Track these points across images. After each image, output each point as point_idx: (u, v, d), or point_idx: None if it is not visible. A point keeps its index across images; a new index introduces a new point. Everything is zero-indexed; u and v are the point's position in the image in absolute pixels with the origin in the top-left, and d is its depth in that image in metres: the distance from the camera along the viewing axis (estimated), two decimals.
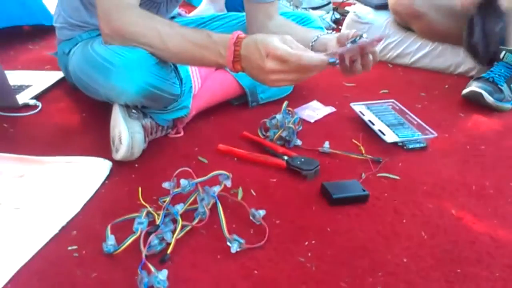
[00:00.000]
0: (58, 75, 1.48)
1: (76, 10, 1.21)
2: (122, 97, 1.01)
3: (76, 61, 1.15)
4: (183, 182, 0.86)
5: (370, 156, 1.12)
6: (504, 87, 1.43)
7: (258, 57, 0.87)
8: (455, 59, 1.75)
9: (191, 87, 1.14)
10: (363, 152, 1.14)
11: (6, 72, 1.17)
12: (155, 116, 1.09)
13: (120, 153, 1.00)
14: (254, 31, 1.30)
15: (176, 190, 0.88)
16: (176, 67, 1.08)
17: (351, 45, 0.98)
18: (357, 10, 1.96)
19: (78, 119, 1.27)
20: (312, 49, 1.16)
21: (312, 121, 1.33)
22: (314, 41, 1.17)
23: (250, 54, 0.89)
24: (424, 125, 1.24)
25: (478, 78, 1.47)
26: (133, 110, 1.04)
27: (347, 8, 2.20)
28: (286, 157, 1.08)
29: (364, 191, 0.97)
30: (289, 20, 1.34)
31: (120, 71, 0.98)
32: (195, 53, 0.95)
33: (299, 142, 1.17)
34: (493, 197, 1.00)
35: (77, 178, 0.97)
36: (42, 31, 1.90)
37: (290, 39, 0.89)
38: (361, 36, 0.99)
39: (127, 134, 0.99)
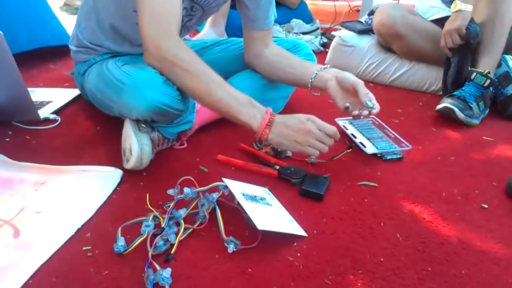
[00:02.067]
0: (75, 92, 1.48)
1: (93, 33, 1.21)
2: (133, 112, 1.02)
3: (92, 81, 1.16)
4: (186, 190, 0.87)
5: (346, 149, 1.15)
6: (474, 105, 1.44)
7: (297, 121, 0.99)
8: (429, 78, 1.77)
9: (194, 103, 1.15)
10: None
11: (29, 89, 1.17)
12: (162, 130, 1.10)
13: (130, 163, 1.01)
14: (251, 57, 1.32)
15: (180, 196, 0.89)
16: None
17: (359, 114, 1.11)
18: (342, 35, 1.98)
19: (93, 132, 1.27)
20: (311, 85, 1.21)
21: None
22: (313, 77, 1.20)
23: (287, 119, 0.99)
24: (400, 138, 1.26)
25: (450, 95, 1.48)
26: (143, 125, 1.05)
27: (333, 33, 2.22)
28: (277, 167, 1.09)
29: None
30: (283, 48, 1.33)
31: (131, 90, 0.99)
32: (233, 107, 0.97)
33: (289, 153, 1.18)
34: (460, 203, 1.01)
35: (92, 185, 0.98)
36: (62, 52, 1.89)
37: (313, 117, 1.01)
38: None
39: (137, 146, 0.99)
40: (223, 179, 0.91)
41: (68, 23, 2.01)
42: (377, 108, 1.10)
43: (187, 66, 0.96)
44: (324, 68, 1.21)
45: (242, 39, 1.39)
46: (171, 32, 0.96)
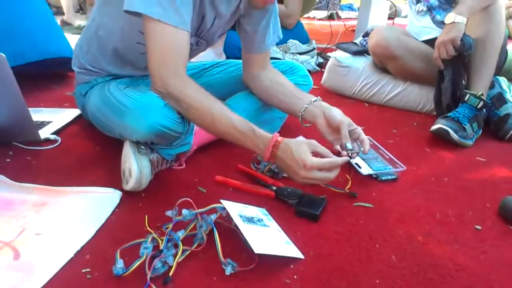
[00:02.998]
0: (75, 112, 1.51)
1: (94, 57, 1.24)
2: (134, 135, 1.04)
3: (94, 102, 1.18)
4: (184, 212, 0.88)
5: (347, 190, 1.13)
6: (467, 126, 1.47)
7: (295, 165, 0.98)
8: (423, 98, 1.81)
9: (193, 126, 1.17)
10: (349, 185, 1.16)
11: (30, 109, 1.19)
12: (161, 151, 1.11)
13: (129, 185, 1.02)
14: (249, 79, 1.35)
15: (178, 218, 0.90)
16: None
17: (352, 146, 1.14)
18: (337, 56, 2.02)
19: (92, 152, 1.28)
20: (301, 118, 1.24)
21: None
22: (303, 111, 1.22)
23: (287, 159, 0.99)
24: (395, 159, 1.27)
25: (445, 117, 1.50)
26: (142, 146, 1.06)
27: (329, 54, 2.26)
28: (274, 188, 1.11)
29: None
30: (280, 73, 1.35)
31: (133, 113, 1.01)
32: (238, 138, 1.01)
33: (286, 174, 1.20)
34: (454, 225, 1.02)
35: (91, 207, 0.99)
36: (62, 72, 1.93)
37: (316, 143, 1.01)
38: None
39: (136, 168, 1.01)
40: (221, 201, 0.92)
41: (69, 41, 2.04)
42: (357, 150, 1.13)
43: (192, 102, 1.00)
44: (314, 101, 1.23)
45: (240, 61, 1.42)
46: (178, 70, 1.01)
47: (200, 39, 1.21)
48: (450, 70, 1.56)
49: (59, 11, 3.53)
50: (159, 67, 0.99)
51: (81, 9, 3.82)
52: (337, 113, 1.17)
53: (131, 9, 0.96)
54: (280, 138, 1.01)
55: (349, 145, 1.12)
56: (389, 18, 3.18)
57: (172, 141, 1.10)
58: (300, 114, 1.23)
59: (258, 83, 1.33)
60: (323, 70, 2.16)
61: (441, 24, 1.75)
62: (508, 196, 1.08)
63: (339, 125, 1.14)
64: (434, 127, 1.47)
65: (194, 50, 1.26)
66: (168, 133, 1.03)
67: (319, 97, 1.25)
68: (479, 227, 1.01)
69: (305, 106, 1.22)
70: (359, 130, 1.16)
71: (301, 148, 0.98)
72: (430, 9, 1.79)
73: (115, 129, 1.09)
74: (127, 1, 0.97)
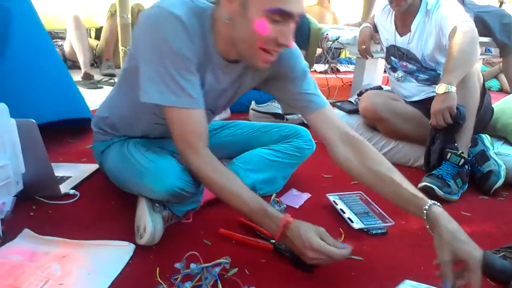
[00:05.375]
0: (92, 167, 1.62)
1: (111, 127, 1.35)
2: (152, 195, 1.16)
3: (113, 160, 1.29)
4: (192, 265, 0.98)
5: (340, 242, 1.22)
6: (451, 183, 1.58)
7: (302, 246, 1.01)
8: (413, 155, 1.93)
9: (204, 187, 1.24)
10: (342, 238, 1.25)
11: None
12: (173, 208, 1.22)
13: (143, 240, 1.13)
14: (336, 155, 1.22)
15: (186, 271, 0.99)
16: None
17: None
18: None
19: (109, 206, 1.38)
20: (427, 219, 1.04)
21: (297, 206, 1.47)
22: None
23: (295, 239, 1.02)
24: (384, 214, 1.38)
25: (430, 175, 1.62)
26: (156, 204, 1.18)
27: None
28: (273, 241, 1.19)
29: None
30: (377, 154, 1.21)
31: (153, 176, 1.13)
32: (251, 216, 1.08)
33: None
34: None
35: (108, 259, 1.09)
36: (79, 127, 2.05)
37: (324, 231, 1.03)
38: None
39: (151, 225, 1.11)
40: None
41: (87, 97, 2.18)
42: None
43: (210, 181, 1.09)
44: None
45: (247, 123, 1.54)
46: (199, 148, 1.09)
47: (207, 110, 1.26)
48: (442, 136, 1.67)
49: (74, 65, 3.73)
50: (182, 146, 1.09)
51: (95, 63, 4.04)
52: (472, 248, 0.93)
53: (148, 101, 1.06)
54: (291, 219, 1.04)
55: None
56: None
57: (184, 200, 1.20)
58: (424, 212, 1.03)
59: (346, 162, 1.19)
60: None
61: (426, 81, 1.91)
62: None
63: (469, 263, 0.90)
64: (420, 185, 1.58)
65: None
66: (182, 194, 1.14)
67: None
68: None
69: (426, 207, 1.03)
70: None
71: (309, 231, 1.02)
72: (409, 74, 1.95)
73: (133, 187, 1.21)
74: (142, 93, 1.07)
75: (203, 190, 1.26)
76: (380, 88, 2.36)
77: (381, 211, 1.40)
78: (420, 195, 1.06)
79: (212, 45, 1.10)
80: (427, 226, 1.03)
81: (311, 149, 1.56)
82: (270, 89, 1.30)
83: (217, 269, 1.00)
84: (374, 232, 1.30)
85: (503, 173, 1.67)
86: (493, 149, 1.80)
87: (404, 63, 1.96)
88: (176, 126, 1.08)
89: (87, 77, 3.41)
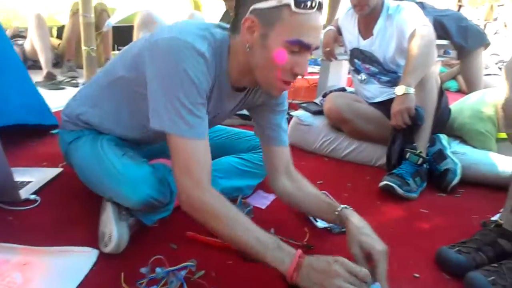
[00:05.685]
0: (54, 172, 1.59)
1: (84, 122, 1.28)
2: (126, 202, 1.15)
3: (84, 156, 1.25)
4: (157, 270, 0.99)
5: (304, 243, 1.26)
6: (410, 181, 1.65)
7: (325, 264, 0.91)
8: (376, 154, 1.99)
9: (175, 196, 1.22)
10: (307, 237, 1.29)
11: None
12: (144, 217, 1.21)
13: (108, 248, 1.11)
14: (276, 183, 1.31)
15: (152, 275, 1.00)
16: (169, 182, 1.19)
17: None
18: (299, 114, 2.20)
19: (71, 211, 1.36)
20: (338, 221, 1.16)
21: (263, 207, 1.49)
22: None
23: (315, 262, 0.93)
24: None
25: (390, 174, 1.68)
26: (123, 211, 1.17)
27: (291, 112, 2.32)
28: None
29: None
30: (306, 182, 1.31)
31: (129, 184, 1.12)
32: (259, 251, 0.95)
33: None
34: (396, 273, 1.14)
35: (71, 266, 1.07)
36: (40, 130, 2.00)
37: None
38: None
39: (116, 234, 1.10)
40: None
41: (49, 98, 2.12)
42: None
43: (213, 212, 0.99)
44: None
45: (219, 127, 1.55)
46: (202, 182, 1.01)
47: None
48: (401, 137, 1.74)
49: (35, 64, 3.62)
50: (184, 180, 1.01)
51: (57, 63, 3.92)
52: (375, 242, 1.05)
53: (159, 128, 1.02)
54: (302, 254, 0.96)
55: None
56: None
57: (157, 210, 1.20)
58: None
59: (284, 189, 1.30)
60: None
61: (387, 83, 1.98)
62: (443, 246, 1.23)
63: (373, 254, 1.03)
64: (381, 184, 1.64)
65: None
66: (156, 204, 1.15)
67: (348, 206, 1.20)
68: (417, 275, 1.16)
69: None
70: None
71: (328, 257, 0.94)
72: (372, 76, 2.02)
73: (105, 191, 1.19)
74: (154, 120, 1.03)
75: (175, 199, 1.24)
76: (343, 89, 2.42)
77: None
78: (335, 203, 1.20)
79: (225, 74, 1.10)
80: (337, 223, 1.19)
81: None
82: (254, 113, 1.32)
83: (183, 273, 1.01)
84: (337, 231, 1.34)
85: (459, 171, 1.75)
86: (450, 148, 1.88)
87: (367, 66, 2.02)
88: (180, 157, 1.02)
89: (49, 77, 3.31)
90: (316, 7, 0.96)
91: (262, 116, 1.29)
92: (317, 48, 1.04)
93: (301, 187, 1.29)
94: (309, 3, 0.95)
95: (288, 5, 0.94)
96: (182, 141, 1.01)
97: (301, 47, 0.98)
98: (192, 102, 1.01)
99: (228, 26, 1.10)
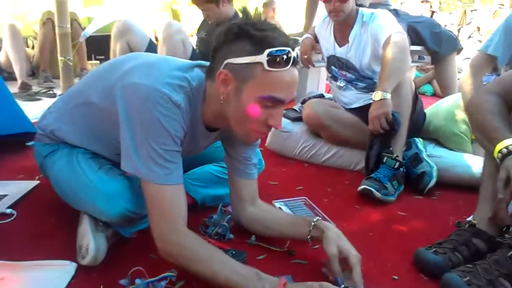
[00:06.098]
0: (30, 185, 1.56)
1: (59, 137, 1.26)
2: (102, 217, 1.14)
3: (60, 170, 1.23)
4: (137, 281, 0.98)
5: (285, 249, 1.27)
6: (388, 185, 1.68)
7: (309, 284, 0.99)
8: (354, 159, 2.02)
9: None
10: (287, 244, 1.28)
11: None
12: (122, 230, 1.20)
13: (85, 261, 1.10)
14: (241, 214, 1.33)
15: (131, 286, 0.99)
16: None
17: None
18: None
19: (48, 225, 1.34)
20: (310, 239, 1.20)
21: None
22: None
23: (298, 287, 1.00)
24: (327, 217, 1.44)
25: (368, 178, 1.71)
26: (100, 223, 1.15)
27: None
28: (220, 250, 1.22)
29: None
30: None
31: (105, 198, 1.11)
32: (241, 285, 0.97)
33: (231, 236, 1.31)
34: (375, 276, 1.17)
35: (48, 279, 1.05)
36: (16, 143, 1.95)
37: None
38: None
39: (93, 246, 1.09)
40: None
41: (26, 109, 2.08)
42: None
43: (191, 254, 1.01)
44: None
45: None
46: (178, 227, 1.03)
47: None
48: (379, 142, 1.77)
49: (10, 76, 3.55)
50: (160, 226, 1.03)
51: (33, 74, 3.86)
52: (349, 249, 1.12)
53: (133, 173, 1.03)
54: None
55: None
56: None
57: (135, 222, 1.19)
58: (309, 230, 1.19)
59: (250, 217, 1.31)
60: None
61: (364, 89, 2.02)
62: (420, 248, 1.26)
63: (349, 258, 1.10)
64: (359, 188, 1.67)
65: None
66: (134, 217, 1.14)
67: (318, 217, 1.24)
68: (396, 277, 1.18)
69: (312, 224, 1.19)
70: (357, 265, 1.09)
71: (312, 283, 1.01)
72: (349, 82, 2.05)
73: (82, 206, 1.18)
74: (127, 164, 1.03)
75: None
76: (322, 96, 2.46)
77: (324, 214, 1.46)
78: (308, 219, 1.23)
79: (199, 117, 1.12)
80: (310, 236, 1.20)
81: (261, 168, 1.57)
82: (226, 143, 1.32)
83: (163, 283, 1.00)
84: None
85: (435, 174, 1.80)
86: (425, 151, 1.93)
87: (344, 72, 2.06)
88: (156, 203, 1.03)
89: (24, 87, 3.26)
90: (290, 64, 0.98)
91: (232, 147, 1.29)
92: (292, 100, 1.05)
93: (270, 211, 1.32)
94: (282, 62, 0.96)
95: (261, 63, 0.96)
96: (158, 188, 1.02)
97: (274, 102, 1.00)
98: (168, 150, 1.02)
99: (207, 64, 1.10)
